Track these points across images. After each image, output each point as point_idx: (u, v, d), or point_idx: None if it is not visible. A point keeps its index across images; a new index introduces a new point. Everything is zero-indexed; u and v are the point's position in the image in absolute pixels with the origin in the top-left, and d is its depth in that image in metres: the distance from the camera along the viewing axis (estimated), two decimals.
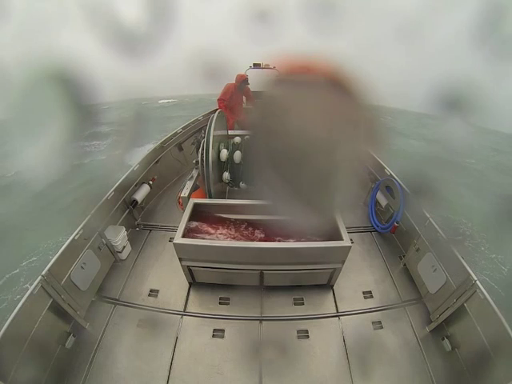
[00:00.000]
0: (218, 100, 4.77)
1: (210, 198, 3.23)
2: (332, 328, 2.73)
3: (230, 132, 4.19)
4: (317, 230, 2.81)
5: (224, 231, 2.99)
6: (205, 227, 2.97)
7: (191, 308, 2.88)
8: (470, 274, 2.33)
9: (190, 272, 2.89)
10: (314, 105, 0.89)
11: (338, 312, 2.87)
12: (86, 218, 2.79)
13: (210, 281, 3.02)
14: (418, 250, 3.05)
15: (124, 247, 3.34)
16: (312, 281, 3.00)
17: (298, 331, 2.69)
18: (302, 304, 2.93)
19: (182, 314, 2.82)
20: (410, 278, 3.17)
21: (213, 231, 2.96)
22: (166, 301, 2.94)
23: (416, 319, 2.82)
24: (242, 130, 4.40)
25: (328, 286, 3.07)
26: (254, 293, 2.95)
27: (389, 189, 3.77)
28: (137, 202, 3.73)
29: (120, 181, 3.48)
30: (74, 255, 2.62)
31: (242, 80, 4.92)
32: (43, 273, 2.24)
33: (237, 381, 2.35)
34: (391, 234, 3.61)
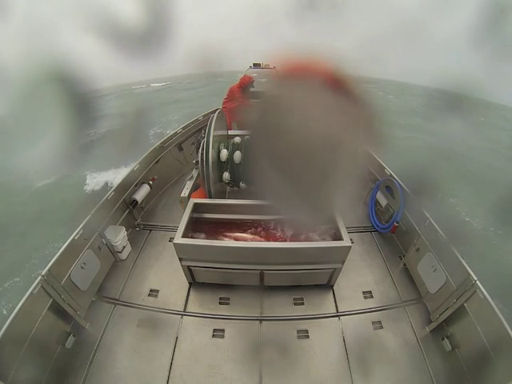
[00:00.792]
0: (224, 102, 4.74)
1: (210, 197, 3.23)
2: (332, 328, 2.73)
3: (230, 132, 4.18)
4: (317, 229, 2.82)
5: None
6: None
7: (191, 308, 2.88)
8: (469, 274, 2.33)
9: (190, 272, 2.89)
10: (313, 104, 0.89)
11: (337, 312, 2.87)
12: (86, 218, 2.79)
13: (210, 281, 3.02)
14: (418, 249, 3.05)
15: (124, 247, 3.34)
16: (312, 281, 3.00)
17: (298, 331, 2.69)
18: (302, 304, 2.93)
19: (182, 314, 2.82)
20: (410, 278, 3.17)
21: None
22: (166, 301, 2.94)
23: (416, 319, 2.82)
24: (242, 129, 4.38)
25: (328, 285, 3.07)
26: (254, 293, 2.95)
27: (389, 189, 3.77)
28: (137, 201, 3.73)
29: (120, 181, 3.48)
30: (73, 255, 2.62)
31: (248, 82, 4.71)
32: (43, 273, 2.24)
33: (237, 381, 2.35)
34: (391, 233, 3.60)
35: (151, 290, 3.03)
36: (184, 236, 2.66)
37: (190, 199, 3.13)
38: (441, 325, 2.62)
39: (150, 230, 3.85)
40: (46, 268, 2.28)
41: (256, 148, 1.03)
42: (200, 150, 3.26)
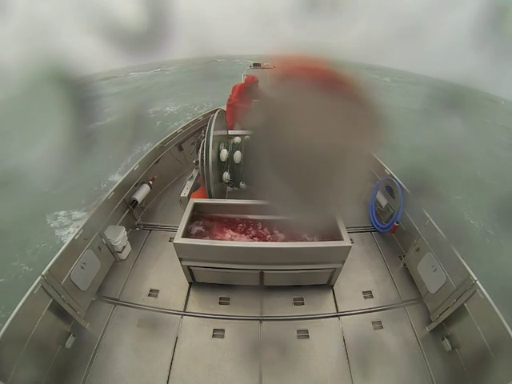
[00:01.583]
0: (228, 101, 4.64)
1: (210, 197, 3.23)
2: (332, 328, 2.73)
3: (230, 132, 4.18)
4: (317, 229, 2.82)
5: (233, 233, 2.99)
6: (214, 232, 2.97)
7: (191, 308, 2.88)
8: (469, 274, 2.33)
9: (190, 272, 2.89)
10: (315, 106, 0.88)
11: (338, 312, 2.87)
12: (86, 218, 2.79)
13: (210, 281, 3.02)
14: (418, 249, 3.05)
15: (124, 247, 3.34)
16: (312, 281, 3.00)
17: (298, 331, 2.69)
18: (302, 304, 2.93)
19: (182, 314, 2.82)
20: (410, 278, 3.17)
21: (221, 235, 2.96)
22: (166, 301, 2.94)
23: (416, 319, 2.82)
24: (243, 129, 4.35)
25: (328, 285, 3.07)
26: (254, 293, 2.95)
27: (389, 189, 3.77)
28: (137, 201, 3.73)
29: (120, 181, 3.48)
30: (73, 255, 2.62)
31: (252, 82, 4.60)
32: (43, 273, 2.24)
33: (237, 381, 2.35)
34: (391, 233, 3.60)
35: (151, 290, 3.03)
36: (184, 236, 2.66)
37: (190, 199, 3.13)
38: (441, 325, 2.62)
39: (150, 230, 3.85)
40: (46, 268, 2.28)
41: (257, 149, 1.03)
42: (200, 149, 3.26)
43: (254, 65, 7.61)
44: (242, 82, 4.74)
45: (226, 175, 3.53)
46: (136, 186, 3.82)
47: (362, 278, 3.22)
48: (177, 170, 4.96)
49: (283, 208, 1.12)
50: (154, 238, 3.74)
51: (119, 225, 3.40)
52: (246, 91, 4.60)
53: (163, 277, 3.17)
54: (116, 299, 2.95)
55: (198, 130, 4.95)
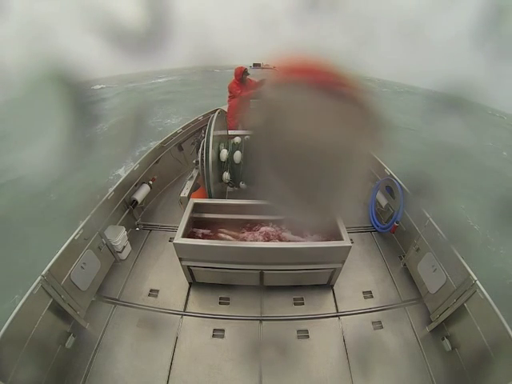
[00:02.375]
0: (230, 98, 4.65)
1: (210, 197, 3.23)
2: (332, 328, 2.73)
3: (230, 132, 4.18)
4: (317, 230, 2.82)
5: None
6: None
7: (191, 308, 2.88)
8: (469, 274, 2.33)
9: (190, 272, 2.89)
10: (315, 106, 0.88)
11: (338, 312, 2.87)
12: (86, 218, 2.79)
13: (210, 281, 3.02)
14: (418, 249, 3.05)
15: (124, 247, 3.34)
16: (312, 281, 3.00)
17: (298, 331, 2.69)
18: (302, 304, 2.93)
19: (182, 314, 2.81)
20: (410, 278, 3.17)
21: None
22: (166, 301, 2.93)
23: (416, 319, 2.82)
24: (244, 128, 4.34)
25: (328, 285, 3.07)
26: (254, 293, 2.95)
27: (389, 189, 3.77)
28: (137, 201, 3.73)
29: (120, 181, 3.48)
30: (73, 255, 2.62)
31: (241, 72, 4.53)
32: (43, 273, 2.24)
33: (237, 381, 2.35)
34: (391, 233, 3.61)
35: (151, 290, 3.03)
36: (184, 236, 2.66)
37: (190, 199, 3.13)
38: (441, 325, 2.62)
39: (150, 230, 3.85)
40: (46, 268, 2.28)
41: (257, 149, 1.03)
42: (200, 149, 3.26)
43: (254, 65, 7.63)
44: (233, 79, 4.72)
45: (226, 175, 3.53)
46: (136, 185, 3.82)
47: (361, 277, 3.22)
48: (177, 170, 4.96)
49: (283, 208, 1.12)
50: (154, 238, 3.74)
51: (119, 225, 3.40)
52: (241, 83, 4.62)
53: (163, 277, 3.17)
54: (116, 299, 2.94)
55: (198, 130, 4.95)
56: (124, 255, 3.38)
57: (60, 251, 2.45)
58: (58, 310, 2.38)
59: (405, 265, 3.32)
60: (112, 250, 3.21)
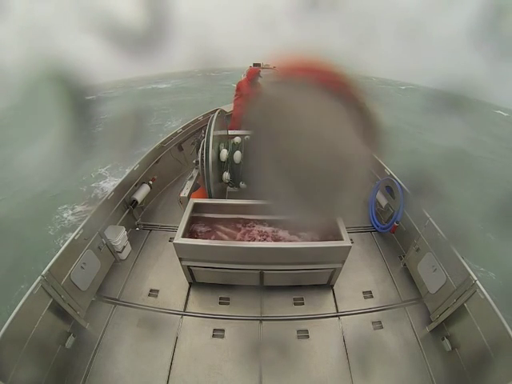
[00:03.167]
0: (238, 98, 4.61)
1: (210, 197, 3.23)
2: (332, 328, 2.73)
3: (230, 132, 4.18)
4: (317, 229, 2.82)
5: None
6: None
7: (191, 308, 2.88)
8: (469, 274, 2.33)
9: (190, 272, 2.89)
10: (314, 106, 0.88)
11: (337, 312, 2.87)
12: (86, 218, 2.79)
13: (210, 281, 3.02)
14: (418, 249, 3.05)
15: (124, 247, 3.34)
16: (312, 281, 3.00)
17: (298, 331, 2.69)
18: (302, 304, 2.93)
19: (182, 314, 2.81)
20: (410, 278, 3.17)
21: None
22: (166, 301, 2.93)
23: (416, 319, 2.82)
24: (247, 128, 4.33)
25: (328, 285, 3.07)
26: (253, 293, 2.95)
27: (389, 189, 3.77)
28: (137, 201, 3.73)
29: (120, 181, 3.48)
30: (73, 255, 2.62)
31: (255, 73, 4.58)
32: (43, 273, 2.24)
33: (237, 381, 2.35)
34: (391, 233, 3.60)
35: (151, 290, 3.03)
36: (184, 236, 2.66)
37: (190, 199, 3.13)
38: (441, 325, 2.62)
39: (150, 230, 3.85)
40: (46, 268, 2.28)
41: (257, 149, 1.03)
42: (200, 149, 3.25)
43: (254, 65, 7.63)
44: (244, 77, 4.71)
45: (226, 175, 3.53)
46: (136, 185, 3.82)
47: (361, 278, 3.22)
48: (177, 170, 4.96)
49: (283, 208, 1.12)
50: (154, 238, 3.74)
51: (119, 225, 3.40)
52: (251, 84, 4.58)
53: (163, 277, 3.17)
54: (116, 299, 2.94)
55: (198, 130, 4.95)
56: (124, 255, 3.38)
57: (60, 251, 2.45)
58: (57, 310, 2.38)
59: (405, 265, 3.32)
60: (112, 250, 3.21)
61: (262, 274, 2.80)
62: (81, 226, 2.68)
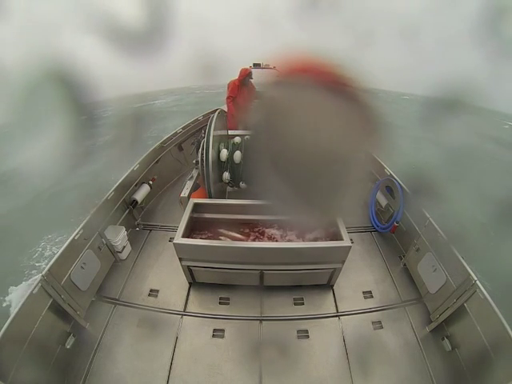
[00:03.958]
0: (227, 99, 4.62)
1: (210, 197, 3.24)
2: (332, 328, 2.73)
3: (230, 132, 4.18)
4: (317, 229, 2.82)
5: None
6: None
7: (191, 308, 2.88)
8: (469, 274, 2.33)
9: (190, 272, 2.89)
10: (315, 106, 0.88)
11: (338, 312, 2.87)
12: (86, 218, 2.79)
13: (210, 281, 3.02)
14: (418, 249, 3.05)
15: (124, 247, 3.34)
16: (312, 281, 3.00)
17: (298, 331, 2.68)
18: (302, 304, 2.93)
19: (182, 314, 2.82)
20: (410, 278, 3.17)
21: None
22: (166, 301, 2.93)
23: (416, 319, 2.82)
24: (244, 128, 4.34)
25: (328, 285, 3.07)
26: (254, 293, 2.95)
27: (389, 189, 3.77)
28: (137, 201, 3.73)
29: (120, 181, 3.48)
30: (73, 255, 2.62)
31: (247, 74, 4.61)
32: (43, 273, 2.24)
33: (237, 381, 2.35)
34: (391, 233, 3.61)
35: (151, 290, 3.03)
36: (184, 236, 2.66)
37: (190, 199, 3.13)
38: (441, 325, 2.62)
39: (150, 230, 3.85)
40: (46, 268, 2.28)
41: (257, 149, 1.03)
42: (200, 149, 3.25)
43: (254, 65, 7.62)
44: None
45: (226, 175, 3.53)
46: (136, 185, 3.82)
47: (361, 277, 3.22)
48: (177, 170, 4.96)
49: (283, 208, 1.12)
50: (154, 238, 3.74)
51: (119, 225, 3.40)
52: (241, 84, 4.63)
53: (163, 277, 3.17)
54: (116, 299, 2.94)
55: (198, 129, 4.95)
56: (124, 255, 3.38)
57: (60, 251, 2.45)
58: (57, 310, 2.38)
59: (405, 265, 3.32)
60: (112, 250, 3.21)
61: (262, 274, 2.81)
62: (81, 226, 2.68)
